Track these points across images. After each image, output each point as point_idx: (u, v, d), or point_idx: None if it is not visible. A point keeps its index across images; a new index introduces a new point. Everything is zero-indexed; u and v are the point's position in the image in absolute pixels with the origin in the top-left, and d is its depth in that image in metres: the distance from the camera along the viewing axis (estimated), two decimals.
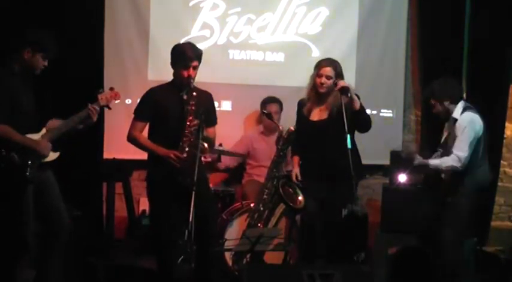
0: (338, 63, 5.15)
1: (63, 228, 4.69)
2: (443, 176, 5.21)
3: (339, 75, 5.09)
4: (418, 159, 5.11)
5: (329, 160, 5.00)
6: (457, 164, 4.98)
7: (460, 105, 5.12)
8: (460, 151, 4.98)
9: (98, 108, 4.69)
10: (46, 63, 4.57)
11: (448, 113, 5.12)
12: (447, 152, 5.09)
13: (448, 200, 5.11)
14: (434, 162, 5.08)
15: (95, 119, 4.69)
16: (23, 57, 4.49)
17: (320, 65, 5.13)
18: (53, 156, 4.62)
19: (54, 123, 4.65)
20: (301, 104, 5.27)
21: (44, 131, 4.59)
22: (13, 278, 4.53)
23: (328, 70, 5.07)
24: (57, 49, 4.58)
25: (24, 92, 4.52)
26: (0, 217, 4.48)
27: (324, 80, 5.06)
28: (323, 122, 5.10)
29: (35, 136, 4.53)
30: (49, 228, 4.65)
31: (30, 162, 4.43)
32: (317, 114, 5.15)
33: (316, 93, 5.11)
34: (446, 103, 5.10)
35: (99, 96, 4.78)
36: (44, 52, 4.52)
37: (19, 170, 4.40)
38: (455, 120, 5.07)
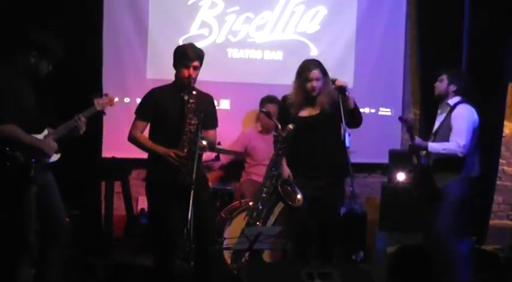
0: (320, 62, 5.16)
1: (62, 230, 4.69)
2: (430, 164, 5.17)
3: (325, 73, 5.10)
4: (418, 140, 5.11)
5: (321, 157, 5.00)
6: (459, 150, 5.01)
7: (459, 97, 5.21)
8: (461, 138, 5.02)
9: (84, 118, 4.68)
10: (50, 68, 4.58)
11: (445, 97, 5.21)
12: (441, 138, 5.11)
13: (437, 191, 5.10)
14: (433, 145, 5.08)
15: (81, 131, 4.69)
16: (28, 60, 4.48)
17: (307, 68, 5.08)
18: (54, 157, 4.62)
19: (48, 130, 4.65)
20: (284, 102, 5.22)
21: (46, 131, 4.59)
22: (13, 277, 4.53)
23: (316, 72, 5.07)
24: (62, 54, 4.59)
25: (28, 92, 4.52)
26: (3, 216, 4.48)
27: (314, 83, 5.06)
28: (313, 117, 5.09)
29: (38, 136, 4.53)
30: (49, 230, 4.65)
31: (34, 162, 4.43)
32: (306, 111, 5.14)
33: (306, 97, 5.11)
34: (452, 88, 5.17)
35: (95, 101, 4.81)
36: (50, 58, 4.53)
37: (23, 170, 4.40)
38: (450, 107, 5.15)
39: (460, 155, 5.03)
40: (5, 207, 4.44)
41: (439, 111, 5.34)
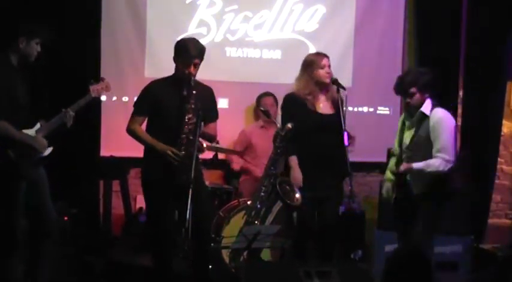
0: None
1: (52, 226, 4.68)
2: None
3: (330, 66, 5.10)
4: (403, 166, 4.77)
5: (335, 157, 4.95)
6: (445, 168, 4.69)
7: (430, 100, 4.80)
8: (447, 154, 4.68)
9: (72, 113, 4.67)
10: (39, 49, 4.58)
11: (420, 106, 4.76)
12: (421, 152, 4.75)
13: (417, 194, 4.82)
14: (418, 166, 4.71)
15: (69, 124, 4.68)
16: (18, 47, 4.50)
17: (318, 57, 5.10)
18: (46, 151, 4.62)
19: (41, 123, 4.66)
20: (293, 99, 5.11)
21: (38, 125, 4.59)
22: (4, 273, 4.52)
23: (327, 60, 5.07)
24: (50, 34, 4.62)
25: (21, 86, 4.53)
26: None
27: (327, 69, 5.05)
28: (332, 116, 5.05)
29: (30, 131, 4.53)
30: (39, 226, 4.64)
31: (25, 159, 4.43)
32: (322, 108, 5.11)
33: (318, 86, 5.07)
34: (426, 95, 4.74)
35: (91, 88, 4.82)
36: (38, 37, 4.54)
37: (14, 167, 4.40)
38: (424, 116, 4.75)
39: (446, 171, 4.70)
40: None
41: (408, 123, 4.88)
